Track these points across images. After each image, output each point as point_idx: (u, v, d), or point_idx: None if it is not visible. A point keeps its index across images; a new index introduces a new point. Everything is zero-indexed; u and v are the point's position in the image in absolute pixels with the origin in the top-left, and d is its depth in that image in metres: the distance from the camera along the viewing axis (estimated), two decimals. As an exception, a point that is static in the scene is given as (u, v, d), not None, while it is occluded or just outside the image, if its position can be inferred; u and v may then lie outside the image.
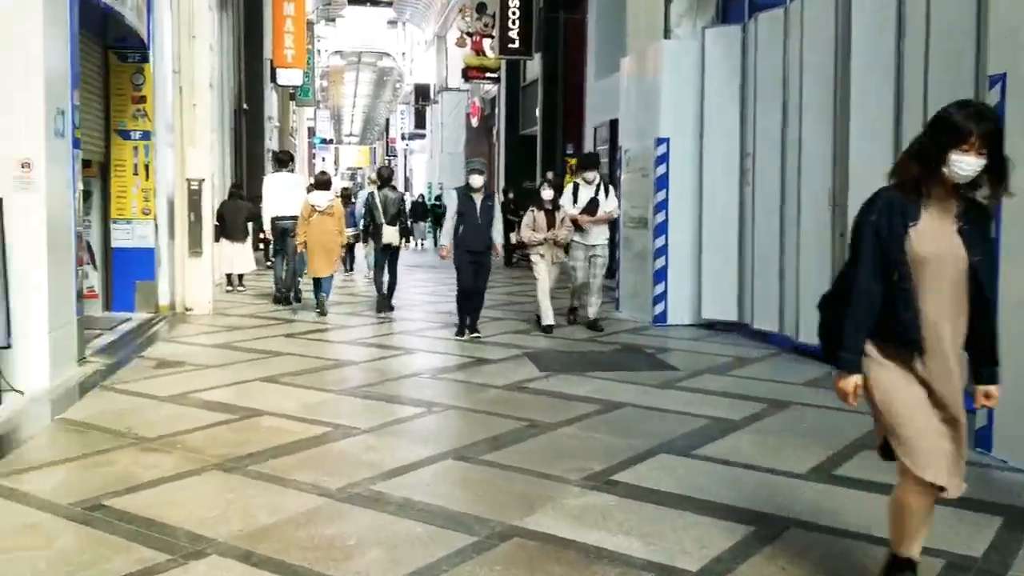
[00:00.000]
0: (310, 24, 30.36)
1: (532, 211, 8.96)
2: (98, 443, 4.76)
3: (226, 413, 5.44)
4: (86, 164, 9.21)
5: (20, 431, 5.06)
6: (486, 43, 25.13)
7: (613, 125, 14.54)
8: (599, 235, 9.10)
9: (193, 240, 9.93)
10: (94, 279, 9.54)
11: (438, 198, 20.70)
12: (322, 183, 10.30)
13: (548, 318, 8.83)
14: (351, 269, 16.22)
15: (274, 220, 10.87)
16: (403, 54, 53.60)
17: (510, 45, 19.89)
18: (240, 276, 12.55)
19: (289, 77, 23.96)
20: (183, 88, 9.93)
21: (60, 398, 5.84)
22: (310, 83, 31.25)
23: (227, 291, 12.34)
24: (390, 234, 10.19)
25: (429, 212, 24.95)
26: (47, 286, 6.08)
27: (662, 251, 9.49)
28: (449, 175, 29.44)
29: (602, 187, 9.13)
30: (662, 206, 9.49)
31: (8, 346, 5.63)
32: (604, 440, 4.96)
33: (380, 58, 53.27)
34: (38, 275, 6.04)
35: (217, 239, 12.11)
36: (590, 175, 9.20)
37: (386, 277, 10.44)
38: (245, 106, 20.91)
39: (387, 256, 10.33)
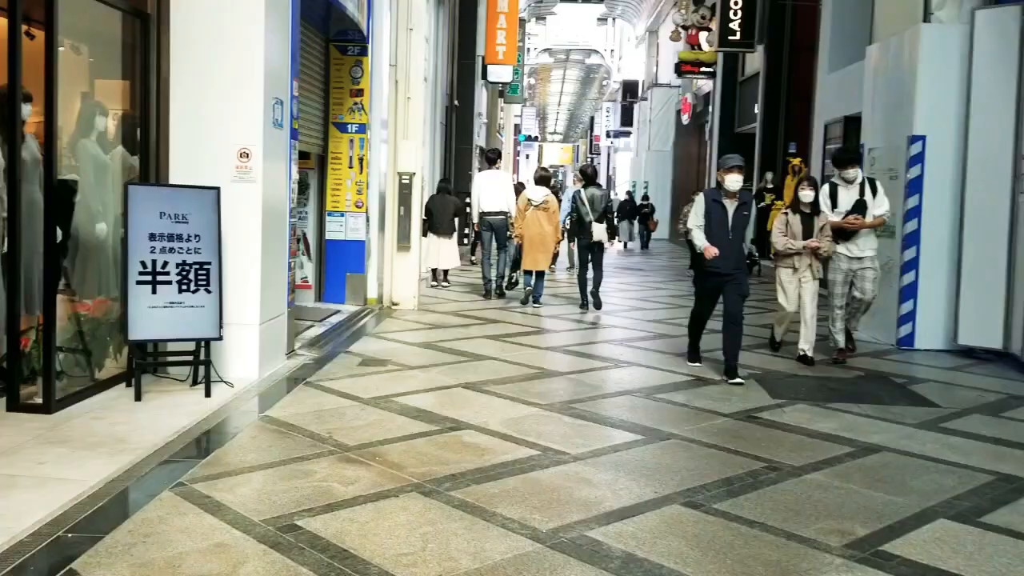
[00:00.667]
0: (521, 22, 30.48)
1: (786, 214, 7.52)
2: (298, 448, 4.49)
3: (427, 423, 5.06)
4: (304, 156, 9.33)
5: (225, 428, 4.92)
6: (702, 36, 24.02)
7: (848, 122, 13.20)
8: (868, 244, 7.51)
9: (402, 234, 9.82)
10: (308, 270, 9.65)
11: (645, 197, 19.96)
12: (542, 179, 10.65)
13: (780, 334, 7.92)
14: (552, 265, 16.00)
15: (482, 215, 11.11)
16: (611, 51, 53.06)
17: (730, 37, 18.73)
18: (445, 271, 12.44)
19: (499, 74, 24.01)
20: (399, 82, 9.84)
21: (266, 393, 5.71)
22: (519, 80, 31.37)
23: (431, 286, 12.26)
24: (599, 232, 10.15)
25: (636, 211, 24.21)
26: (260, 278, 5.99)
27: (912, 265, 8.28)
28: (656, 174, 28.57)
29: (867, 186, 7.59)
30: (914, 213, 8.28)
31: (219, 338, 5.55)
32: (863, 494, 4.10)
33: (588, 55, 53.02)
34: (252, 266, 5.95)
35: (424, 233, 12.04)
36: (851, 172, 7.61)
37: (591, 274, 10.41)
38: (456, 102, 21.13)
39: (591, 254, 10.32)
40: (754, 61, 21.45)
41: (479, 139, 25.03)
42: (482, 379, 6.31)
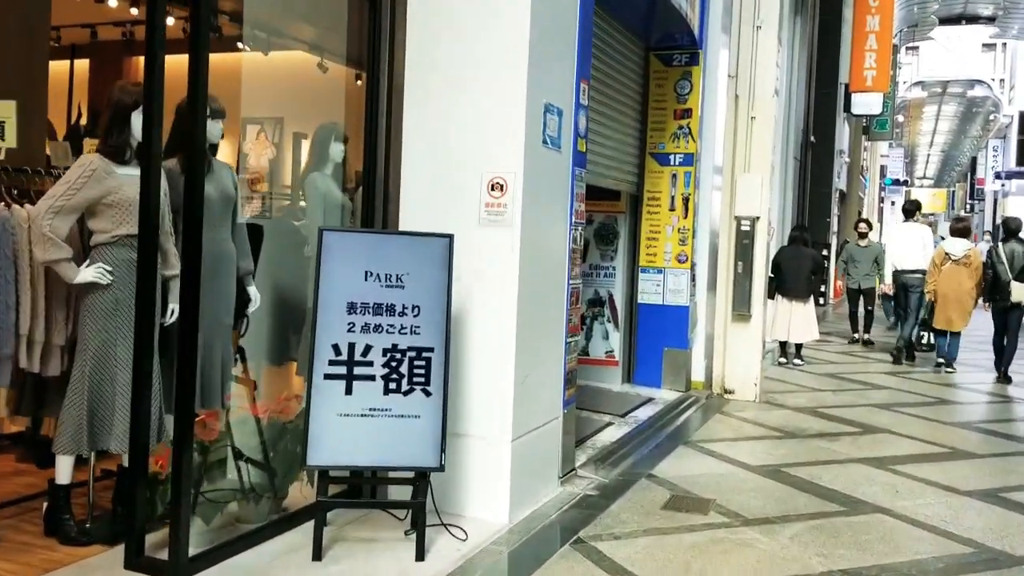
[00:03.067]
0: (894, 49, 26.41)
1: None
2: None
3: None
4: (611, 196, 7.33)
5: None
6: None
7: None
8: None
9: (739, 298, 7.38)
10: (614, 342, 7.57)
11: None
12: (958, 231, 9.65)
13: None
14: None
15: (897, 274, 10.30)
16: (1000, 80, 45.59)
17: None
18: (798, 347, 9.66)
19: (866, 104, 20.47)
20: (739, 97, 7.48)
21: (518, 556, 3.63)
22: (888, 113, 27.15)
23: (779, 363, 9.56)
24: (1019, 291, 8.89)
25: None
26: (514, 369, 3.97)
27: None
28: (1071, 220, 22.73)
29: None
30: None
31: (440, 468, 3.58)
32: None
33: (971, 87, 45.97)
34: (501, 353, 3.97)
35: (771, 296, 9.44)
36: None
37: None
38: (812, 138, 18.12)
39: (1006, 317, 9.10)
40: None
41: (840, 181, 21.57)
42: (883, 559, 3.69)
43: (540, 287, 4.24)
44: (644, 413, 6.44)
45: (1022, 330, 9.08)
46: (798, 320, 9.46)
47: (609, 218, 7.60)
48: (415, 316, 3.58)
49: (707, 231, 7.59)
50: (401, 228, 4.14)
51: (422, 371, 3.56)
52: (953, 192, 68.49)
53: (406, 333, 3.56)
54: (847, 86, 19.98)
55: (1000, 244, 9.30)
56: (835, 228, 21.00)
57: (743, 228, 7.39)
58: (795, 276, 9.40)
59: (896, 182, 47.79)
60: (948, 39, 41.73)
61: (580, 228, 4.76)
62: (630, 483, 4.72)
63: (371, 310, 3.55)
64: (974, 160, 54.39)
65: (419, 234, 3.76)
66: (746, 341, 7.44)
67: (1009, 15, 31.83)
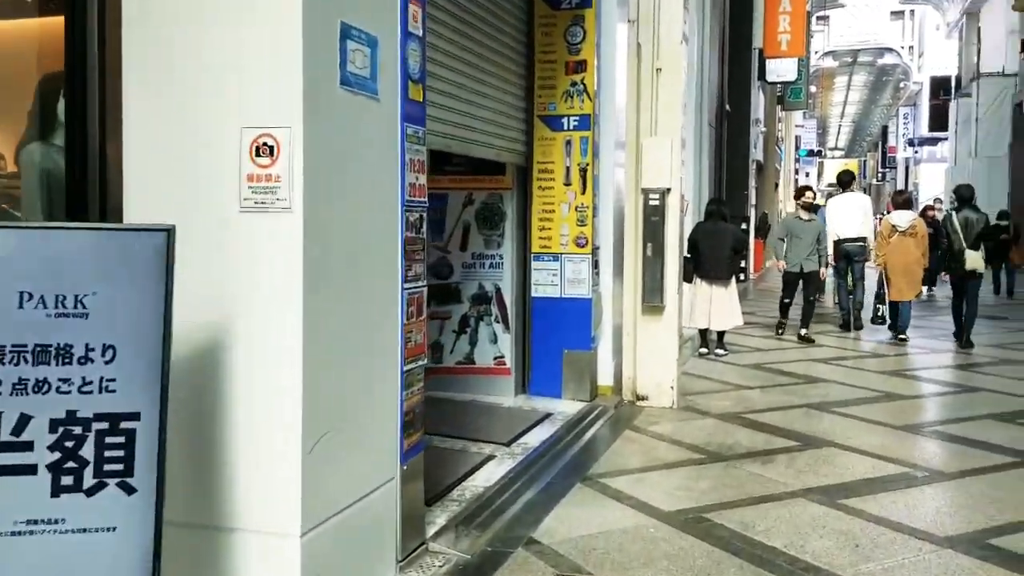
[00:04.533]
0: (807, 15, 25.73)
1: None
2: None
3: None
4: (495, 169, 6.03)
5: None
6: (1062, -1, 18.10)
7: None
8: None
9: (650, 286, 6.15)
10: (505, 345, 6.27)
11: (1004, 216, 14.52)
12: (901, 203, 10.02)
13: None
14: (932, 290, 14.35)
15: (838, 243, 10.15)
16: (909, 48, 45.90)
17: None
18: (720, 335, 8.53)
19: (781, 70, 19.61)
20: (641, 46, 6.22)
21: None
22: (803, 82, 26.50)
23: (699, 354, 8.43)
24: (973, 260, 9.13)
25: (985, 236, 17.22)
26: (301, 428, 2.62)
27: None
28: (985, 186, 22.39)
29: None
30: None
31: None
32: None
33: (880, 55, 46.13)
34: (279, 404, 2.61)
35: (688, 279, 8.30)
36: None
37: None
38: (727, 107, 17.14)
39: (968, 285, 9.24)
40: None
41: (757, 152, 20.74)
42: None
43: (349, 299, 2.89)
44: (537, 436, 5.16)
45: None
46: (719, 305, 8.33)
47: (493, 196, 6.28)
48: (107, 363, 2.18)
49: (611, 208, 6.35)
50: (128, 220, 2.74)
51: (119, 453, 2.17)
52: (864, 161, 69.46)
53: (90, 392, 2.16)
54: (761, 52, 19.09)
55: (953, 213, 9.40)
56: (753, 200, 20.17)
57: (651, 203, 6.15)
58: (714, 255, 8.25)
59: (811, 152, 47.85)
60: (856, 7, 41.68)
61: (421, 210, 3.42)
62: (502, 558, 3.42)
63: (28, 357, 2.14)
64: (885, 129, 54.94)
65: (114, 228, 2.36)
66: (660, 337, 6.23)
67: (918, -21, 31.60)
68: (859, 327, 10.32)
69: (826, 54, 46.06)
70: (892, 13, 44.37)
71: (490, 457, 4.69)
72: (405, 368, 3.28)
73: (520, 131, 6.08)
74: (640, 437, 5.35)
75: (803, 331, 9.60)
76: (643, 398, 6.23)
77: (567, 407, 5.97)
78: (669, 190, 6.16)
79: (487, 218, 6.27)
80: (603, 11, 6.15)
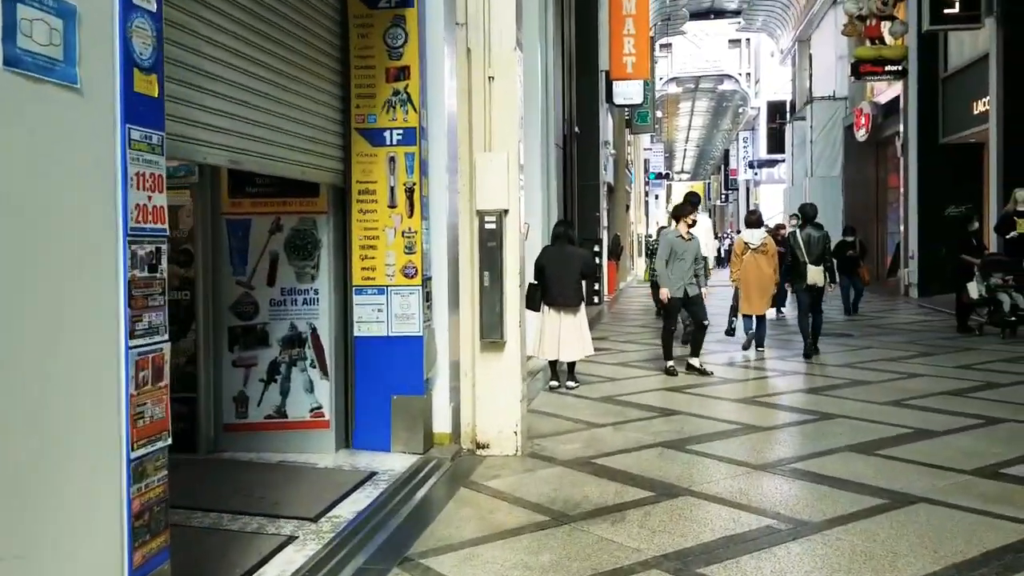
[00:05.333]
0: (650, 41, 26.17)
1: None
2: None
3: None
4: (307, 190, 5.23)
5: None
6: (884, 27, 18.99)
7: None
8: None
9: (488, 320, 5.48)
10: (323, 393, 5.43)
11: (850, 231, 14.58)
12: (753, 222, 10.24)
13: None
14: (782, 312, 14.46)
15: None
16: (747, 75, 48.00)
17: (947, 11, 13.74)
18: (571, 366, 7.97)
19: (628, 93, 19.66)
20: (471, 51, 5.58)
21: None
22: (649, 105, 26.93)
23: (549, 388, 7.84)
24: (814, 274, 9.62)
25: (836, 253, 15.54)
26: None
27: None
28: (822, 204, 23.27)
29: None
30: None
31: None
32: None
33: (720, 81, 48.10)
34: None
35: (535, 306, 7.72)
36: None
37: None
38: (576, 128, 16.93)
39: (811, 298, 9.73)
40: (968, 47, 16.25)
41: (607, 174, 20.69)
42: None
43: (17, 366, 2.03)
44: (353, 506, 4.35)
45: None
46: (569, 334, 7.78)
47: (305, 221, 5.45)
48: None
49: (444, 233, 5.65)
50: None
51: None
52: (709, 184, 72.34)
53: None
54: (608, 74, 19.08)
55: (798, 231, 9.92)
56: (605, 222, 20.08)
57: (487, 226, 5.49)
58: (562, 281, 7.71)
59: (659, 175, 49.18)
60: (697, 36, 43.22)
61: (157, 240, 2.57)
62: None
63: None
64: (727, 152, 57.30)
65: None
66: (501, 376, 5.56)
67: (753, 8, 32.94)
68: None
69: (670, 80, 47.57)
70: (730, 41, 46.23)
71: (290, 539, 3.85)
72: (134, 455, 2.42)
73: (335, 146, 5.30)
74: (477, 497, 4.63)
75: (696, 361, 8.58)
76: (484, 446, 5.53)
77: (396, 462, 5.19)
78: (507, 211, 5.52)
79: (298, 247, 5.43)
80: (427, 12, 5.47)
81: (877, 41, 19.01)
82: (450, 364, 5.66)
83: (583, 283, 7.81)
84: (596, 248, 17.23)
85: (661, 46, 44.80)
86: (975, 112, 15.59)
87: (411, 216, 5.43)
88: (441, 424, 5.64)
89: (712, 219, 59.61)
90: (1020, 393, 7.32)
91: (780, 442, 5.87)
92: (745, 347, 10.27)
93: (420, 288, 5.42)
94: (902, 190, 19.01)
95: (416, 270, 5.42)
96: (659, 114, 48.95)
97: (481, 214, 5.50)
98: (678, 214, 8.77)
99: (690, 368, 8.57)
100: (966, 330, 11.88)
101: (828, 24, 26.28)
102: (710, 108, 54.70)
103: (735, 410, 6.92)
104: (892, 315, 13.63)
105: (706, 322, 8.58)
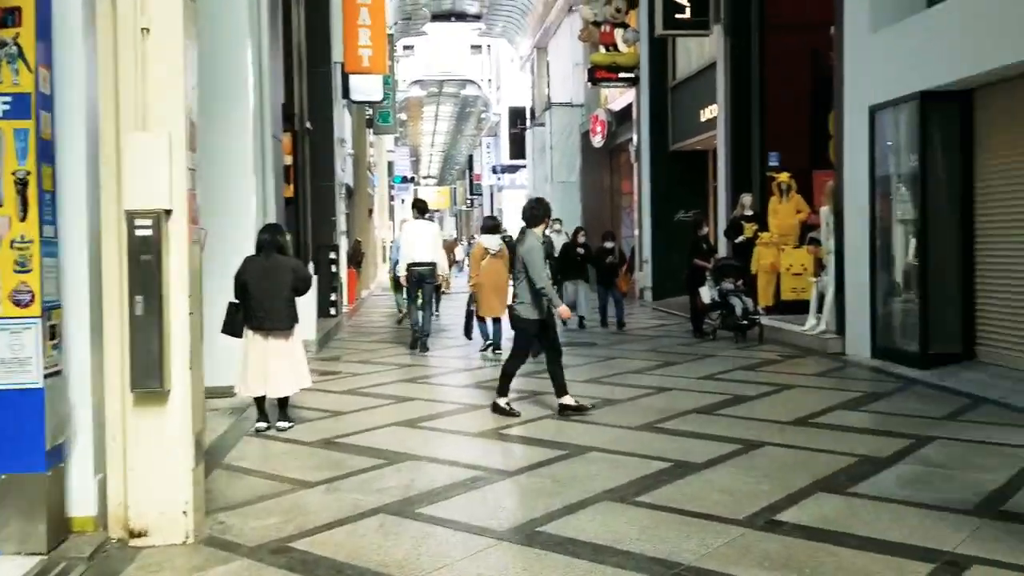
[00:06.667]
0: (390, 38, 25.07)
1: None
2: None
3: None
4: None
5: None
6: (618, 34, 19.24)
7: (929, 101, 8.28)
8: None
9: (143, 362, 4.00)
10: None
11: (608, 236, 13.69)
12: (491, 228, 10.61)
13: None
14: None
15: (411, 267, 10.77)
16: (489, 81, 48.45)
17: (678, 16, 13.84)
18: (283, 402, 6.56)
19: (366, 89, 18.46)
20: (117, -6, 4.09)
21: None
22: (390, 105, 25.86)
23: (256, 431, 6.40)
24: None
25: (588, 260, 13.25)
26: None
27: None
28: (563, 210, 23.44)
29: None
30: None
31: None
32: None
33: (463, 86, 48.15)
34: None
35: (237, 332, 6.28)
36: None
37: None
38: (308, 124, 15.43)
39: None
40: (695, 55, 16.70)
41: (345, 175, 19.30)
42: None
43: None
44: None
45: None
46: (279, 364, 6.40)
47: None
48: None
49: (84, 243, 4.10)
50: None
51: None
52: (455, 189, 72.71)
53: None
54: (343, 67, 17.73)
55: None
56: (343, 227, 18.69)
57: (139, 232, 4.01)
58: (270, 299, 6.32)
59: (405, 179, 48.38)
60: (440, 39, 42.89)
61: None
62: None
63: None
64: (471, 158, 57.71)
65: None
66: (164, 437, 4.09)
67: (493, 13, 32.93)
68: (424, 349, 10.81)
69: (414, 83, 46.91)
70: (472, 47, 46.41)
71: None
72: None
73: None
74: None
75: (568, 400, 6.81)
76: (140, 533, 4.04)
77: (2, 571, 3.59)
78: (169, 212, 4.08)
79: None
80: (44, -68, 3.90)
81: (611, 48, 19.21)
82: (94, 423, 4.12)
83: (294, 301, 6.45)
84: (333, 255, 15.86)
85: (404, 47, 44.02)
86: (702, 119, 16.00)
87: (24, 219, 3.84)
88: (82, 505, 4.09)
89: (440, 225, 59.89)
90: (767, 407, 6.97)
91: (529, 493, 4.89)
92: (483, 349, 10.54)
93: (40, 321, 3.84)
94: (636, 196, 19.35)
95: (33, 296, 3.83)
96: (403, 116, 48.16)
97: (131, 216, 4.01)
98: (534, 217, 7.09)
99: (564, 409, 6.78)
100: (702, 335, 11.88)
101: (565, 32, 26.64)
102: (454, 113, 54.73)
103: (476, 448, 5.92)
104: (630, 320, 13.46)
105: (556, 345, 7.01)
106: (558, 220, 14.98)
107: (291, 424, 6.51)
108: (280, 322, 6.35)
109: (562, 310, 6.93)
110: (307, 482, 5.04)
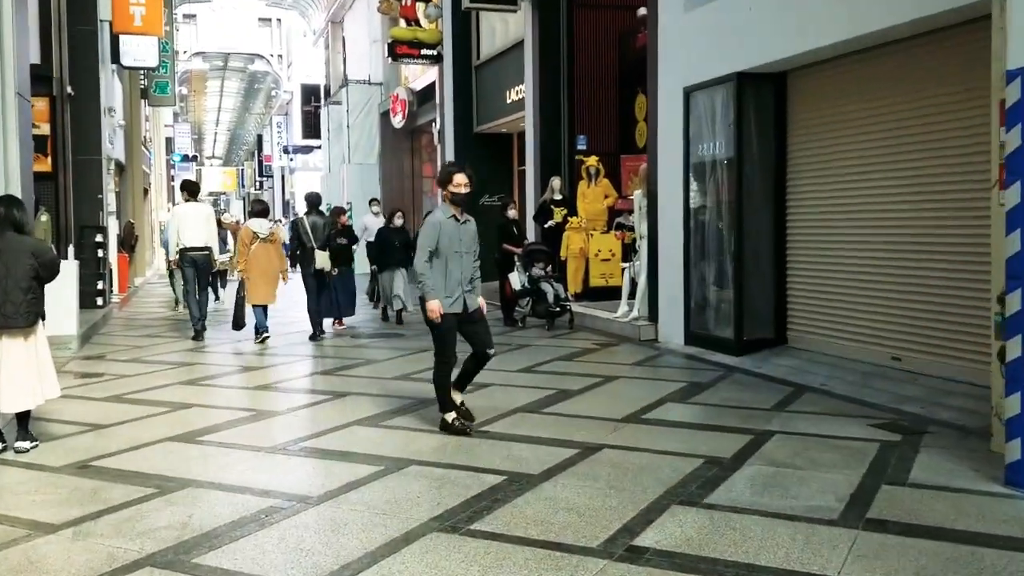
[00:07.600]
0: (168, 2, 22.72)
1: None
2: None
3: None
4: None
5: None
6: (419, 8, 18.41)
7: (746, 81, 8.14)
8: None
9: None
10: None
11: (335, 212, 12.52)
12: (259, 211, 10.44)
13: None
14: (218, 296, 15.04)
15: (184, 252, 10.23)
16: (279, 56, 45.95)
17: (485, -11, 13.22)
18: (22, 418, 5.24)
19: (139, 54, 16.46)
20: None
21: None
22: (169, 75, 23.52)
23: (-10, 454, 5.09)
24: (322, 259, 10.30)
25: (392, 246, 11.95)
26: None
27: None
28: (362, 192, 22.34)
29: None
30: None
31: None
32: None
33: (251, 61, 45.36)
34: None
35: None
36: None
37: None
38: (69, 90, 13.47)
39: (319, 282, 10.35)
40: (499, 34, 16.21)
41: (114, 148, 17.17)
42: None
43: None
44: None
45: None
46: (17, 371, 5.10)
47: None
48: None
49: None
50: None
51: None
52: (243, 170, 68.75)
53: None
54: (111, 26, 15.70)
55: (305, 217, 10.53)
56: (112, 206, 16.62)
57: None
58: (2, 289, 5.00)
59: (187, 158, 44.88)
60: (225, 9, 40.11)
61: None
62: None
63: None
64: (260, 137, 54.64)
65: None
66: None
67: (283, -18, 31.02)
68: (198, 337, 10.31)
69: (196, 55, 43.62)
70: (260, 19, 43.80)
71: None
72: None
73: None
74: None
75: (458, 397, 5.83)
76: None
77: None
78: None
79: None
80: None
81: (413, 23, 18.35)
82: None
83: (38, 293, 5.16)
84: (100, 238, 13.99)
85: (185, 16, 40.70)
86: (508, 100, 15.54)
87: None
88: None
89: (228, 208, 56.46)
90: (595, 403, 6.48)
91: (339, 527, 4.02)
92: (258, 339, 10.04)
93: None
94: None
95: None
96: (184, 91, 44.65)
97: None
98: (444, 182, 5.67)
99: (446, 427, 5.63)
100: (513, 323, 11.39)
101: (361, 6, 25.41)
102: (241, 89, 51.56)
103: (269, 468, 4.95)
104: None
105: (491, 351, 5.79)
106: (375, 200, 14.92)
107: (34, 444, 5.22)
108: (16, 318, 5.05)
109: (429, 308, 5.46)
110: (48, 525, 3.90)
